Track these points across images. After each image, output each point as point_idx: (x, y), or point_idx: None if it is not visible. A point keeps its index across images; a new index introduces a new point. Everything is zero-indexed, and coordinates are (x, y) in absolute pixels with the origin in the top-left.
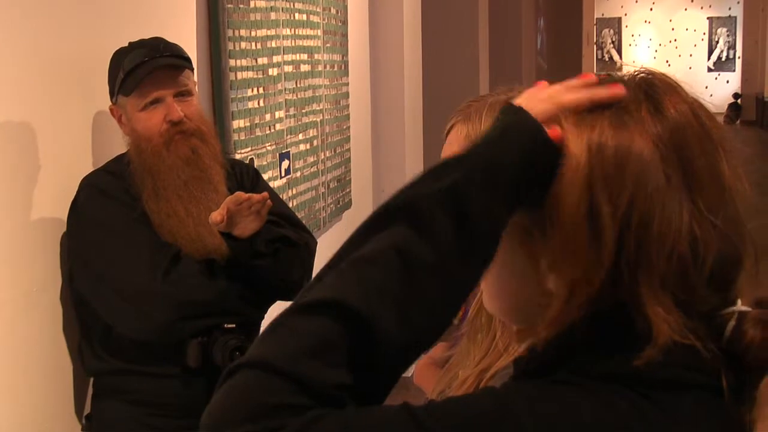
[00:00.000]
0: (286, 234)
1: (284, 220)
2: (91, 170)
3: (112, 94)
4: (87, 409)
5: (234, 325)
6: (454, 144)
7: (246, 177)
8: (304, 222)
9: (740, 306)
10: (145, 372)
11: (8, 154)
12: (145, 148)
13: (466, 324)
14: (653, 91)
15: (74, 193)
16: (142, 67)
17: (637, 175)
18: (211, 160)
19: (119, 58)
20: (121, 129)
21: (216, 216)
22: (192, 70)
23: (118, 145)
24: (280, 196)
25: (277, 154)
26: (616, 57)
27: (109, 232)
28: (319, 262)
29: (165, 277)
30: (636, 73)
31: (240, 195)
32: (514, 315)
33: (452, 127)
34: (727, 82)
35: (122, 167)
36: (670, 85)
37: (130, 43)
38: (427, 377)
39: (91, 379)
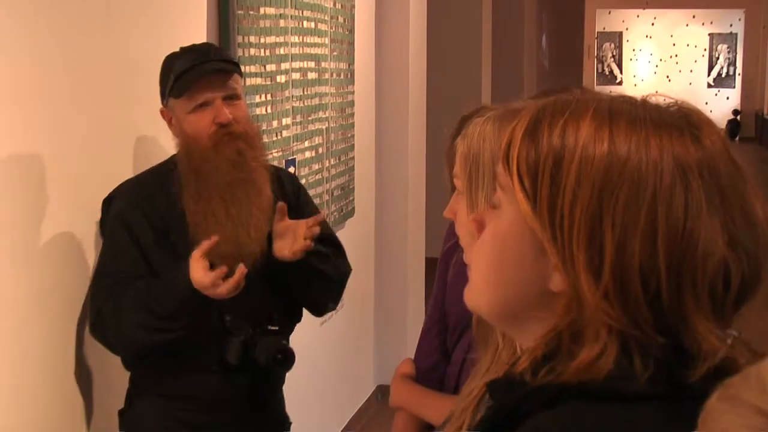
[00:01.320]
0: (321, 269)
1: (329, 241)
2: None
3: (162, 96)
4: (120, 405)
5: (277, 327)
6: (457, 159)
7: (288, 185)
8: None
9: (732, 330)
10: (185, 366)
11: (17, 159)
12: (193, 149)
13: (473, 334)
14: (692, 120)
15: (83, 196)
16: (192, 71)
17: (668, 189)
18: (257, 163)
19: (170, 62)
20: (171, 131)
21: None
22: (241, 74)
23: (123, 153)
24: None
25: (283, 161)
26: (616, 71)
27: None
28: None
29: (94, 322)
30: (671, 103)
31: (283, 209)
32: (504, 309)
33: (457, 143)
34: (727, 98)
35: (158, 177)
36: (706, 119)
37: (181, 48)
38: (408, 395)
39: (128, 375)
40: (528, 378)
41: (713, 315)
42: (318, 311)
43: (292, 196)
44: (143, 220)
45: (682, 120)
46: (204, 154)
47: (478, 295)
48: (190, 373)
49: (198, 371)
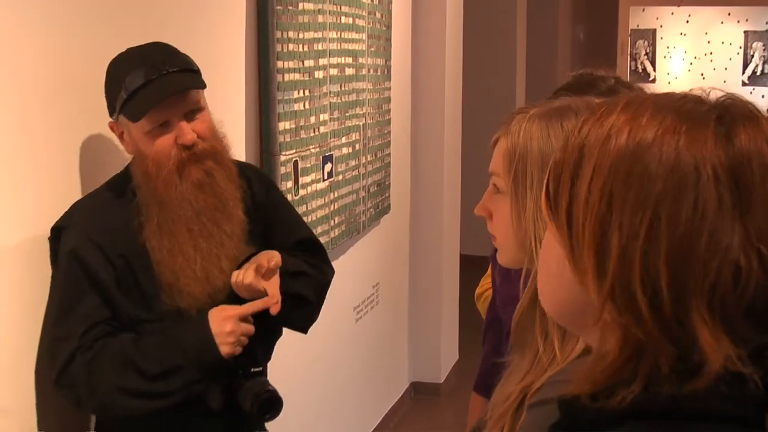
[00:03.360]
0: (299, 292)
1: (306, 245)
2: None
3: (111, 110)
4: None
5: (260, 368)
6: (497, 157)
7: (257, 186)
8: (344, 226)
9: None
10: (163, 411)
11: (19, 154)
12: (155, 174)
13: (511, 337)
14: (728, 115)
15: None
16: (148, 89)
17: (676, 190)
18: (227, 182)
19: (119, 71)
20: (123, 146)
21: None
22: (203, 85)
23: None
24: (322, 200)
25: (321, 157)
26: (649, 69)
27: (63, 303)
28: (360, 267)
29: (59, 378)
30: (720, 97)
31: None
32: (563, 312)
33: (497, 140)
34: (762, 96)
35: (114, 201)
36: (749, 114)
37: (128, 50)
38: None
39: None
40: (587, 400)
41: (722, 324)
42: (301, 331)
43: (262, 196)
44: (100, 257)
45: (712, 114)
46: (167, 181)
47: (542, 299)
48: (166, 416)
49: (176, 415)
